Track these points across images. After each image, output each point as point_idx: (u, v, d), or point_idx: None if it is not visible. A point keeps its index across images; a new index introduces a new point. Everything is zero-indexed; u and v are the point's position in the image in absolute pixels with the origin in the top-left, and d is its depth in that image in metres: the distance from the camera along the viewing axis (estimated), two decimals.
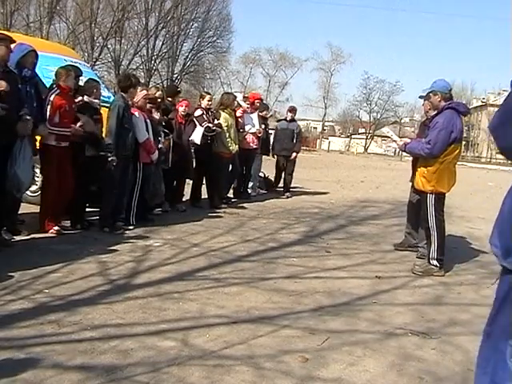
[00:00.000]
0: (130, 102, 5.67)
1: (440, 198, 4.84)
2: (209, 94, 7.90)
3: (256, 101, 8.93)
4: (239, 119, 8.15)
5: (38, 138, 4.98)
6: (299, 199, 9.38)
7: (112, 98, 6.17)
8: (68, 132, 5.07)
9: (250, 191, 9.02)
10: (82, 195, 5.47)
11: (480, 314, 3.84)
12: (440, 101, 4.83)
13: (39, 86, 4.99)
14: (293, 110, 9.73)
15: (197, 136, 7.09)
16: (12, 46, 4.49)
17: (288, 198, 9.31)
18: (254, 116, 8.65)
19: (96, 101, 5.49)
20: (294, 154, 9.36)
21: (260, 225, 6.61)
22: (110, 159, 5.26)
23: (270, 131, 10.07)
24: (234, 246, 5.30)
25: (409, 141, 5.24)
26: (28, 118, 4.43)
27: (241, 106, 8.42)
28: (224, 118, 7.45)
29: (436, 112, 4.86)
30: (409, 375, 2.77)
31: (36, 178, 5.93)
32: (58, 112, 4.96)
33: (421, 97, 5.19)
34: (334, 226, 6.91)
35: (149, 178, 5.91)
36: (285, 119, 9.61)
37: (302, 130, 13.54)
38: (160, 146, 6.09)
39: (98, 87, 5.57)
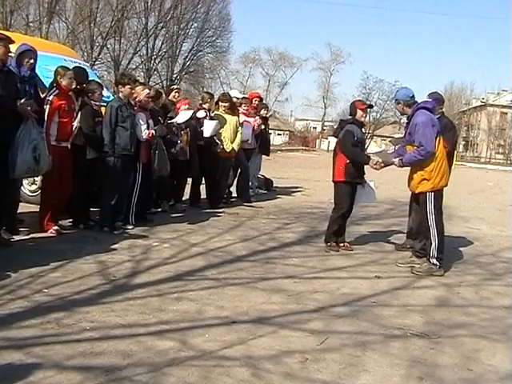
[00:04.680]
0: (130, 102, 5.66)
1: (439, 195, 4.89)
2: (211, 94, 7.88)
3: (254, 99, 8.86)
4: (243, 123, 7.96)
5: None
6: (298, 199, 9.37)
7: (112, 97, 6.17)
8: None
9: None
10: (85, 194, 5.47)
11: (480, 314, 3.86)
12: (403, 108, 5.03)
13: (38, 86, 4.98)
14: (368, 106, 5.70)
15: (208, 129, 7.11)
16: (11, 46, 4.48)
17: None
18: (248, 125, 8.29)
19: (96, 102, 5.49)
20: None
21: (259, 225, 6.61)
22: (107, 159, 5.28)
23: (270, 131, 9.84)
24: (233, 246, 5.30)
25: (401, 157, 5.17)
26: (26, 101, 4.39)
27: (238, 98, 8.20)
28: (221, 117, 7.45)
29: (408, 118, 4.98)
30: (408, 376, 2.77)
31: (36, 178, 5.93)
32: (57, 112, 4.96)
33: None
34: None
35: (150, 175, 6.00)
36: (357, 122, 5.44)
37: (302, 130, 13.04)
38: (179, 141, 6.50)
39: (100, 89, 5.53)
